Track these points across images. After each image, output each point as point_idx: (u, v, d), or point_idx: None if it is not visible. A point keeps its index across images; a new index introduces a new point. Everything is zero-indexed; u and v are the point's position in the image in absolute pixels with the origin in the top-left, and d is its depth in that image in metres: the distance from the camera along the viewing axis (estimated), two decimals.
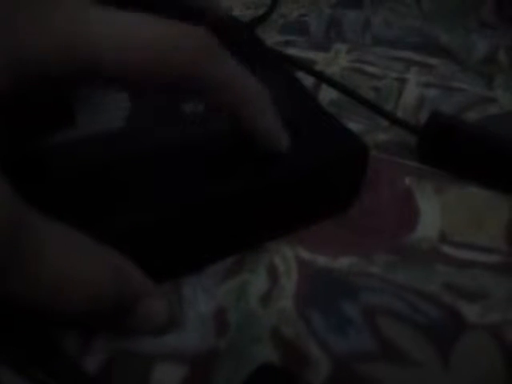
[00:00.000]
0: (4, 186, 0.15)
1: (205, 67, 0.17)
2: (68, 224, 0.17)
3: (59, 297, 0.16)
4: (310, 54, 0.33)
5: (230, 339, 0.19)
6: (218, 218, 0.20)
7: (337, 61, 0.32)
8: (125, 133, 0.22)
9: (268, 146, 0.20)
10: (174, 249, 0.20)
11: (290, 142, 0.21)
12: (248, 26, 0.34)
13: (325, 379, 0.18)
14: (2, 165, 0.19)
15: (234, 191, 0.20)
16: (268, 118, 0.20)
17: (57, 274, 0.16)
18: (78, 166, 0.20)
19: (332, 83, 0.29)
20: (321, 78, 0.30)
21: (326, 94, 0.30)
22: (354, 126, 0.28)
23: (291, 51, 0.32)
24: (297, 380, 0.16)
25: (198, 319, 0.19)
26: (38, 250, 0.15)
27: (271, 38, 0.33)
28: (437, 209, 0.25)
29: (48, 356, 0.18)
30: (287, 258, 0.22)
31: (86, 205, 0.19)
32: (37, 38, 0.15)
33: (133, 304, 0.17)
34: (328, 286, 0.21)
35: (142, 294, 0.18)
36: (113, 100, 0.24)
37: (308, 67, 0.30)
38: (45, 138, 0.22)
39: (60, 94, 0.22)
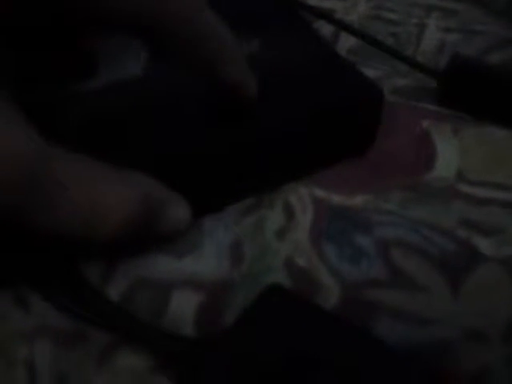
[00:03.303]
0: (22, 123, 0.16)
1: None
2: None
3: (88, 226, 0.17)
4: (329, 3, 0.32)
5: (245, 268, 0.20)
6: (235, 160, 0.21)
7: (356, 9, 0.32)
8: (141, 81, 0.22)
9: (237, 95, 0.20)
10: (194, 190, 0.21)
11: (304, 85, 0.22)
12: None
13: (334, 304, 0.19)
14: (26, 110, 0.20)
15: (250, 134, 0.21)
16: (238, 68, 0.20)
17: (83, 204, 0.16)
18: (98, 112, 0.21)
19: (350, 30, 0.29)
20: (339, 25, 0.30)
21: (345, 42, 0.30)
22: (372, 72, 0.28)
23: (310, 1, 0.32)
24: (303, 300, 0.16)
25: (216, 248, 0.20)
26: (62, 182, 0.16)
27: None
28: (455, 149, 0.25)
29: (73, 285, 0.19)
30: (303, 196, 0.22)
31: (106, 146, 0.20)
32: None
33: (159, 213, 0.18)
34: (342, 221, 0.21)
35: (167, 203, 0.18)
36: (131, 50, 0.24)
37: (327, 15, 0.30)
38: (67, 86, 0.22)
39: (82, 45, 0.23)
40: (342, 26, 0.29)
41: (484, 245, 0.21)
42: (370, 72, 0.28)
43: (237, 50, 0.20)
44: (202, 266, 0.20)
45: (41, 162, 0.15)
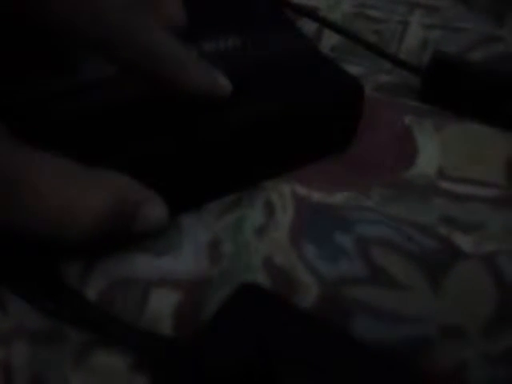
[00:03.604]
0: None
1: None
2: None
3: (61, 225, 0.17)
4: (313, 1, 0.32)
5: (224, 267, 0.20)
6: (215, 155, 0.21)
7: (339, 6, 0.32)
8: (118, 79, 0.22)
9: (208, 96, 0.20)
10: (174, 186, 0.21)
11: (284, 81, 0.22)
12: None
13: (313, 302, 0.19)
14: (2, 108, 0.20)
15: (231, 129, 0.21)
16: (192, 71, 0.19)
17: (55, 203, 0.16)
18: (78, 109, 0.21)
19: (334, 28, 0.29)
20: (323, 23, 0.30)
21: (329, 40, 0.30)
22: (355, 69, 0.28)
23: None
24: (278, 297, 0.16)
25: (194, 246, 0.20)
26: (34, 183, 0.16)
27: None
28: (436, 146, 0.25)
29: (51, 285, 0.19)
30: (284, 194, 0.22)
31: (85, 145, 0.19)
32: None
33: (134, 212, 0.18)
34: (323, 219, 0.21)
35: (142, 201, 0.18)
36: None
37: (310, 13, 0.30)
38: (46, 84, 0.22)
39: (61, 42, 0.23)
40: (326, 24, 0.29)
41: (464, 241, 0.21)
42: (353, 69, 0.28)
43: (190, 59, 0.19)
44: (180, 264, 0.20)
45: (12, 164, 0.15)
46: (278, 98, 0.22)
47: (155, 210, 0.18)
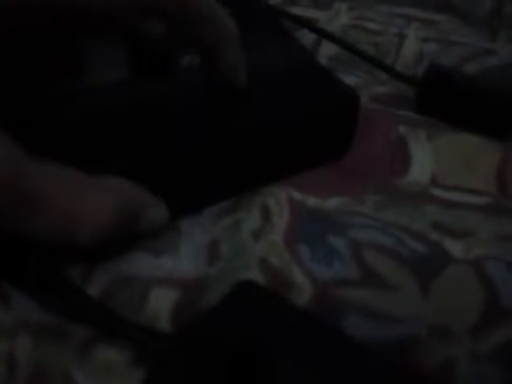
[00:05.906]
0: (1, 137, 0.16)
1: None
2: (71, 166, 0.18)
3: (68, 232, 0.17)
4: (312, 13, 0.33)
5: (221, 267, 0.20)
6: (214, 162, 0.21)
7: (338, 18, 0.33)
8: (127, 83, 0.23)
9: (230, 80, 0.22)
10: (173, 192, 0.21)
11: (282, 90, 0.23)
12: None
13: (306, 302, 0.19)
14: (7, 113, 0.21)
15: (229, 136, 0.21)
16: (236, 53, 0.21)
17: (62, 212, 0.17)
18: (83, 114, 0.21)
19: (332, 39, 0.30)
20: (321, 33, 0.30)
21: (327, 51, 0.31)
22: (352, 80, 0.29)
23: (294, 10, 0.33)
24: (274, 294, 0.17)
25: (193, 247, 0.21)
26: (39, 194, 0.16)
27: None
28: (429, 155, 0.25)
29: (55, 282, 0.20)
30: (280, 199, 0.23)
31: (87, 151, 0.20)
32: None
33: (138, 215, 0.19)
34: (317, 223, 0.22)
35: (146, 205, 0.19)
36: (116, 52, 0.25)
37: (309, 24, 0.31)
38: (53, 87, 0.23)
39: (67, 45, 0.24)
40: (324, 35, 0.30)
41: (454, 247, 0.22)
42: (350, 79, 0.29)
43: (234, 33, 0.21)
44: (179, 264, 0.20)
45: (19, 175, 0.16)
46: (276, 108, 0.22)
47: (157, 213, 0.19)
